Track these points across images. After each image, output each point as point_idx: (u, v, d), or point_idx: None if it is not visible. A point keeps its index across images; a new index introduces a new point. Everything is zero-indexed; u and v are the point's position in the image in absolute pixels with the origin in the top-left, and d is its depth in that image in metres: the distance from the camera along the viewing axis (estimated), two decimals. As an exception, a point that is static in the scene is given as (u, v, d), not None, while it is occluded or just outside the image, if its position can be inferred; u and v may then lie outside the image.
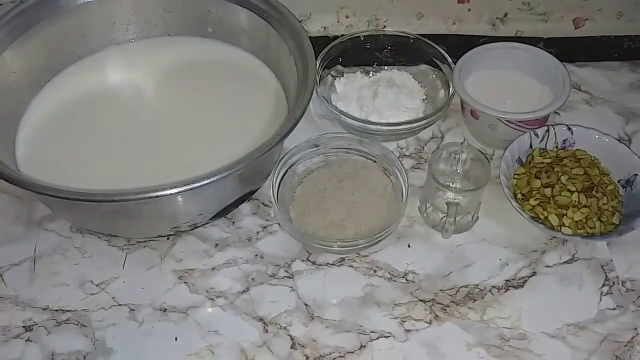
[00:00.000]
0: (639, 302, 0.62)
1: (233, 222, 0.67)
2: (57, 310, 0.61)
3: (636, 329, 0.60)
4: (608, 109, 0.79)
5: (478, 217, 0.67)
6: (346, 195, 0.66)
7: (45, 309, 0.61)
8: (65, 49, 0.73)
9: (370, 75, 0.80)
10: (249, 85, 0.74)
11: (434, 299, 0.62)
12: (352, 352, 0.59)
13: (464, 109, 0.74)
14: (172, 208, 0.61)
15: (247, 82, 0.74)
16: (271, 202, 0.66)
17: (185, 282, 0.63)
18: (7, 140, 0.67)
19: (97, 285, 0.63)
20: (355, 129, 0.72)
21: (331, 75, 0.79)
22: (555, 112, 0.75)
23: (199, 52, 0.77)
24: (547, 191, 0.65)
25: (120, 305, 0.62)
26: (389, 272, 0.64)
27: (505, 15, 0.82)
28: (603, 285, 0.63)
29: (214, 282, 0.63)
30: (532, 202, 0.65)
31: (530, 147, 0.69)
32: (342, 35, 0.79)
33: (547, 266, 0.65)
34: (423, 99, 0.77)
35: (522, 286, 0.63)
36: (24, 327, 0.60)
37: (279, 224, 0.67)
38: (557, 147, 0.70)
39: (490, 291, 0.63)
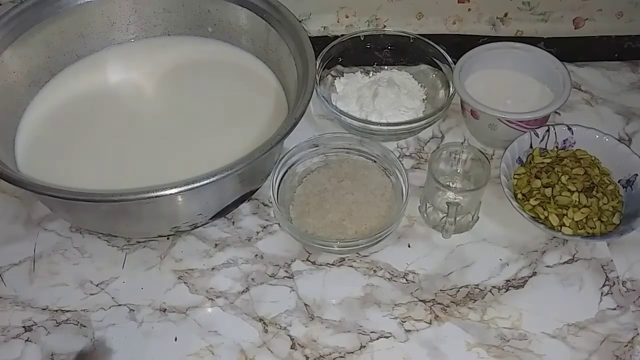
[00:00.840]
0: (640, 302, 0.62)
1: (233, 222, 0.67)
2: (56, 311, 0.61)
3: (636, 329, 0.60)
4: (608, 109, 0.79)
5: (478, 217, 0.67)
6: (346, 195, 0.66)
7: (45, 309, 0.61)
8: (65, 48, 0.73)
9: (370, 75, 0.79)
10: (249, 85, 0.74)
11: (434, 299, 0.62)
12: (352, 353, 0.59)
13: (464, 109, 0.74)
14: (172, 208, 0.61)
15: (247, 82, 0.74)
16: (271, 202, 0.66)
17: (185, 282, 0.63)
18: (7, 140, 0.67)
19: (96, 285, 0.63)
20: (355, 129, 0.72)
21: (331, 75, 0.79)
22: (556, 112, 0.75)
23: (199, 52, 0.77)
24: (548, 191, 0.65)
25: (120, 305, 0.61)
26: (389, 272, 0.64)
27: (506, 15, 0.82)
28: (603, 286, 0.63)
29: (214, 282, 0.63)
30: (533, 202, 0.65)
31: (531, 147, 0.69)
32: (342, 35, 0.79)
33: (547, 266, 0.64)
34: (423, 99, 0.77)
35: (523, 286, 0.63)
36: (23, 327, 0.60)
37: (279, 224, 0.67)
38: (557, 147, 0.70)
39: (490, 291, 0.63)
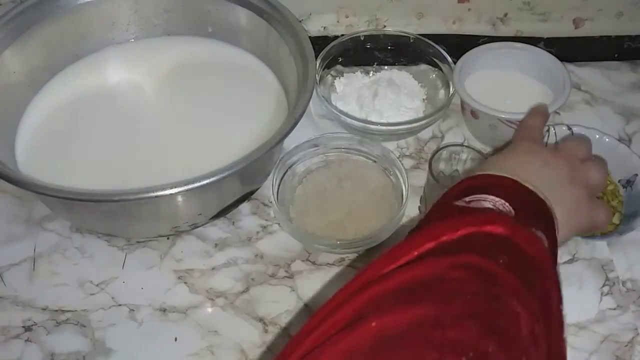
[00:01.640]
0: None
1: (233, 222, 0.67)
2: (56, 311, 0.61)
3: (636, 329, 0.60)
4: (608, 109, 0.79)
5: (478, 217, 0.67)
6: (346, 195, 0.66)
7: (45, 309, 0.61)
8: (65, 49, 0.73)
9: (370, 75, 0.79)
10: (249, 85, 0.73)
11: (434, 299, 0.62)
12: (352, 352, 0.59)
13: (464, 109, 0.74)
14: (172, 208, 0.61)
15: (247, 82, 0.74)
16: (271, 202, 0.66)
17: (185, 282, 0.63)
18: (7, 140, 0.67)
19: (96, 285, 0.63)
20: (355, 129, 0.72)
21: (331, 75, 0.79)
22: (555, 112, 0.75)
23: (199, 52, 0.77)
24: (547, 191, 0.65)
25: (120, 305, 0.62)
26: (389, 272, 0.64)
27: (505, 15, 0.82)
28: (603, 285, 0.63)
29: (214, 282, 0.63)
30: (532, 202, 0.65)
31: (531, 147, 0.69)
32: (342, 35, 0.79)
33: (547, 266, 0.64)
34: (423, 99, 0.77)
35: (522, 286, 0.63)
36: (23, 327, 0.60)
37: (279, 224, 0.67)
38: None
39: (490, 291, 0.63)
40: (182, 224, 0.63)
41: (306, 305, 0.62)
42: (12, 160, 0.65)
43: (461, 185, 0.46)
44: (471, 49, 0.74)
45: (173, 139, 0.68)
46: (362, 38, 0.79)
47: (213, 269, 0.64)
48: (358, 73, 0.79)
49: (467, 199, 0.43)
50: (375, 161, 0.69)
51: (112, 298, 0.62)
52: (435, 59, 0.77)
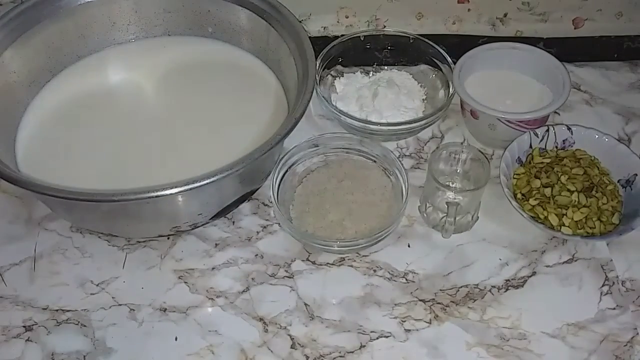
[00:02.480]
0: (639, 302, 0.62)
1: (233, 222, 0.67)
2: (57, 310, 0.61)
3: (636, 328, 0.60)
4: (608, 109, 0.79)
5: (478, 217, 0.67)
6: (346, 195, 0.66)
7: (45, 308, 0.61)
8: (65, 49, 0.73)
9: (370, 75, 0.80)
10: (249, 85, 0.74)
11: (433, 299, 0.62)
12: (352, 352, 0.59)
13: (464, 109, 0.74)
14: (172, 208, 0.61)
15: (247, 82, 0.74)
16: (271, 202, 0.66)
17: (185, 282, 0.63)
18: (7, 140, 0.67)
19: (97, 285, 0.63)
20: (355, 129, 0.72)
21: (331, 75, 0.79)
22: (555, 112, 0.75)
23: (199, 52, 0.77)
24: (547, 191, 0.65)
25: (120, 305, 0.62)
26: (389, 272, 0.64)
27: (505, 15, 0.82)
28: (603, 285, 0.63)
29: (214, 282, 0.63)
30: (532, 202, 0.65)
31: (530, 147, 0.69)
32: (342, 35, 0.79)
33: (547, 266, 0.65)
34: (423, 99, 0.77)
35: (522, 286, 0.63)
36: (24, 326, 0.60)
37: (279, 224, 0.67)
38: (557, 147, 0.70)
39: (490, 291, 0.63)
40: (183, 224, 0.63)
41: (306, 305, 0.62)
42: (12, 160, 0.65)
43: None
44: (471, 49, 0.74)
45: (173, 139, 0.68)
46: (362, 38, 0.79)
47: (213, 268, 0.64)
48: (358, 73, 0.79)
49: None
50: (375, 161, 0.69)
51: (113, 298, 0.62)
52: (435, 59, 0.77)
